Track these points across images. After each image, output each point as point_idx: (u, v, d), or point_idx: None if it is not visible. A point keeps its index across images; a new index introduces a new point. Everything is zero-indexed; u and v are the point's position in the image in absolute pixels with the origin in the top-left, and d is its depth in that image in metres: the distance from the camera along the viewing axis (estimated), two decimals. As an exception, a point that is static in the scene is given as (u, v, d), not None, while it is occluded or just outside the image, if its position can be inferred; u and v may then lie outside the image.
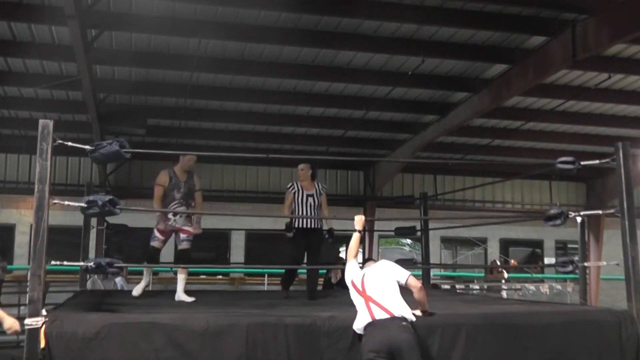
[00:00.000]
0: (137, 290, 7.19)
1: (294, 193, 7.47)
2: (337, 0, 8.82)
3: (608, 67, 10.41)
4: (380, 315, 4.42)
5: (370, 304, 4.50)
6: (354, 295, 4.73)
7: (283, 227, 7.39)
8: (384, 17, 9.01)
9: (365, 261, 5.34)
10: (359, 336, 4.54)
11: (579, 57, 8.78)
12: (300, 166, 7.67)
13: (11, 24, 9.27)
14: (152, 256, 7.23)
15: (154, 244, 7.08)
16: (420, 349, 4.36)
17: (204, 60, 10.02)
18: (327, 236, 7.64)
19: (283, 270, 8.53)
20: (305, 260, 7.79)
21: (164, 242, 7.14)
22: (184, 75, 10.89)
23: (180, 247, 7.20)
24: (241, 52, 10.13)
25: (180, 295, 7.06)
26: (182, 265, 7.32)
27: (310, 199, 7.47)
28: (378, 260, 5.22)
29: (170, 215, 6.93)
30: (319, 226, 7.48)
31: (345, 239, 5.80)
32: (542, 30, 9.29)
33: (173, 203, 6.95)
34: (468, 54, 10.16)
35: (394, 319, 4.39)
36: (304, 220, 7.37)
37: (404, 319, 4.42)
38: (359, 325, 4.52)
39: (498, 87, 10.90)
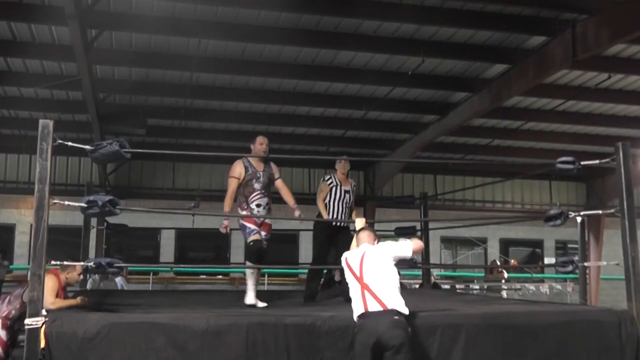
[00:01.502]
0: (249, 299, 6.11)
1: (333, 187, 7.11)
2: (337, 0, 8.82)
3: (608, 67, 10.41)
4: (374, 307, 4.36)
5: (366, 292, 4.44)
6: (349, 278, 4.65)
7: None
8: (384, 17, 9.01)
9: (359, 231, 5.09)
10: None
11: (579, 57, 8.77)
12: (341, 159, 7.30)
13: (11, 24, 9.28)
14: (258, 253, 6.30)
15: (255, 237, 6.20)
16: (410, 344, 4.30)
17: (204, 60, 10.02)
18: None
19: (283, 271, 8.45)
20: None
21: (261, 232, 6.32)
22: (184, 75, 10.90)
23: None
24: (241, 52, 10.13)
25: (250, 299, 6.05)
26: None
27: (347, 196, 7.13)
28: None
29: (253, 206, 6.28)
30: (347, 225, 7.02)
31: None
32: (542, 30, 9.29)
33: (254, 195, 6.30)
34: (468, 54, 10.15)
35: (386, 312, 4.34)
36: (336, 214, 7.03)
37: (396, 312, 4.36)
38: (354, 315, 4.49)
39: (498, 87, 10.90)
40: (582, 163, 5.62)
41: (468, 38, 9.78)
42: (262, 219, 6.33)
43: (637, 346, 5.09)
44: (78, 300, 5.44)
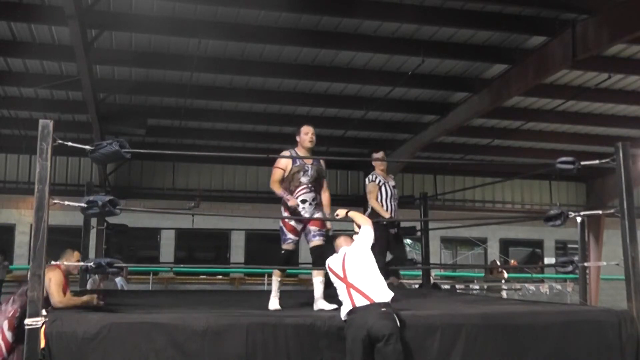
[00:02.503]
0: (273, 304, 5.75)
1: (381, 186, 6.94)
2: (337, 0, 8.82)
3: (608, 67, 10.41)
4: (361, 302, 4.45)
5: (352, 290, 4.53)
6: (335, 282, 4.76)
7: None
8: (384, 17, 9.02)
9: (333, 238, 5.21)
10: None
11: (579, 57, 8.78)
12: (381, 154, 7.01)
13: (11, 24, 9.28)
14: (288, 261, 6.07)
15: (288, 246, 5.82)
16: (399, 334, 4.37)
17: (204, 60, 10.02)
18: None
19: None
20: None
21: (297, 242, 5.89)
22: (184, 75, 10.90)
23: (311, 243, 5.81)
24: (241, 52, 10.13)
25: (320, 303, 5.60)
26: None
27: (395, 191, 6.96)
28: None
29: (298, 202, 5.74)
30: (399, 222, 6.81)
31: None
32: (542, 30, 9.29)
33: (300, 188, 5.77)
34: (468, 54, 10.16)
35: (374, 305, 4.42)
36: (390, 212, 6.84)
37: (383, 304, 4.44)
38: (342, 313, 4.57)
39: (498, 87, 10.90)
40: (582, 163, 5.61)
41: (468, 38, 9.79)
42: (306, 219, 5.76)
43: (637, 346, 5.09)
44: (90, 298, 5.24)
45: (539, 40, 9.58)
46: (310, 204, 5.78)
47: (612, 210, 5.57)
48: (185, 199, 15.41)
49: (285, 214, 5.80)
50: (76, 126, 13.45)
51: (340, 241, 5.05)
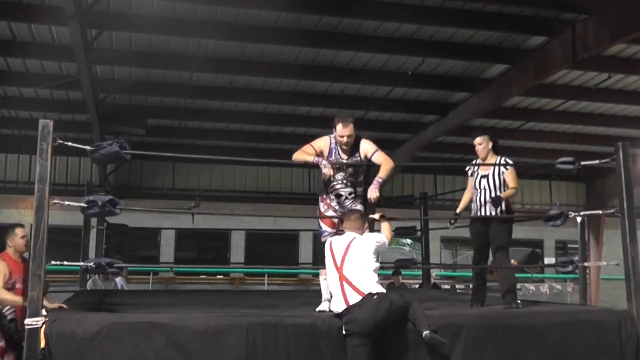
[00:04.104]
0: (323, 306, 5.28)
1: (473, 177, 6.20)
2: (337, 0, 8.82)
3: (608, 67, 10.41)
4: (354, 298, 4.49)
5: (345, 284, 4.57)
6: (329, 264, 4.77)
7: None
8: (384, 17, 9.02)
9: (351, 215, 5.08)
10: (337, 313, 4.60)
11: (579, 57, 8.79)
12: (478, 140, 6.15)
13: (11, 24, 9.28)
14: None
15: (326, 239, 5.29)
16: (402, 305, 4.55)
17: (204, 60, 10.03)
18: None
19: (282, 271, 8.23)
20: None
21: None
22: (184, 75, 10.90)
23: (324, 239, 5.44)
24: (241, 52, 10.13)
25: (324, 305, 5.22)
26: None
27: (484, 182, 6.08)
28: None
29: (332, 196, 5.43)
30: (497, 211, 5.89)
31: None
32: (542, 30, 9.29)
33: (334, 183, 5.41)
34: (468, 54, 10.16)
35: (365, 298, 4.47)
36: (479, 207, 6.09)
37: (373, 294, 4.50)
38: (335, 309, 4.62)
39: (498, 87, 10.90)
40: (582, 163, 5.61)
41: (468, 38, 9.79)
42: (339, 212, 5.39)
43: (637, 346, 5.08)
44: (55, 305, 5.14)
45: (539, 40, 9.58)
46: (346, 198, 5.44)
47: (612, 210, 5.57)
48: (185, 199, 15.40)
49: (321, 204, 5.48)
50: (76, 126, 13.44)
51: (351, 222, 4.97)
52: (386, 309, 4.44)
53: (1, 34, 9.61)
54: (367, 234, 4.98)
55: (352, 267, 4.64)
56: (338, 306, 4.58)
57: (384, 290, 4.65)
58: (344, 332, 4.47)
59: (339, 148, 5.45)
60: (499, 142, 6.09)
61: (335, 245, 4.82)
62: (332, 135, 5.48)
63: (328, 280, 4.81)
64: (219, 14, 8.92)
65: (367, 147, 5.58)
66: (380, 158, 5.51)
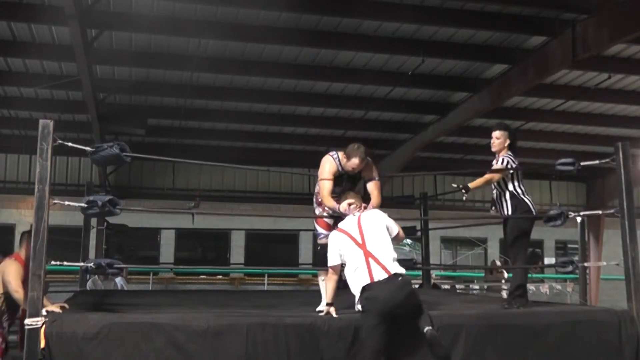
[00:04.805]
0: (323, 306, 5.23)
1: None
2: (337, 0, 8.83)
3: (608, 67, 10.42)
4: (380, 275, 4.47)
5: (371, 260, 4.54)
6: (350, 247, 4.67)
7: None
8: (384, 17, 9.02)
9: (342, 192, 5.18)
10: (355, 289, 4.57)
11: (579, 57, 8.79)
12: (496, 133, 5.83)
13: (11, 24, 9.29)
14: (325, 258, 5.42)
15: (323, 241, 5.46)
16: (419, 297, 4.57)
17: (204, 60, 10.03)
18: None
19: (282, 271, 8.17)
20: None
21: None
22: (184, 75, 10.90)
23: (320, 241, 5.64)
24: (241, 52, 10.13)
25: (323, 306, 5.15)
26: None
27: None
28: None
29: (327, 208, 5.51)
30: (508, 207, 5.81)
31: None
32: (542, 30, 9.30)
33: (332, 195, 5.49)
34: (468, 54, 10.17)
35: (391, 278, 4.46)
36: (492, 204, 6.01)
37: (399, 275, 4.51)
38: (357, 285, 4.54)
39: (498, 87, 10.91)
40: (582, 163, 5.60)
41: (468, 38, 9.79)
42: (337, 218, 5.42)
43: (637, 346, 5.08)
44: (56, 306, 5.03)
45: (539, 40, 9.59)
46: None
47: (612, 210, 5.56)
48: (185, 199, 15.40)
49: (317, 210, 5.68)
50: (76, 126, 13.44)
51: (351, 196, 5.03)
52: (408, 293, 4.47)
53: (1, 34, 9.61)
54: (371, 210, 5.01)
55: (375, 243, 4.64)
56: (360, 281, 4.52)
57: (404, 271, 4.62)
58: (359, 308, 4.49)
59: (342, 164, 5.57)
60: (517, 143, 5.86)
61: (347, 227, 4.81)
62: (334, 155, 5.63)
63: (347, 259, 4.65)
64: (219, 14, 8.92)
65: (369, 170, 5.70)
66: (374, 191, 5.62)
